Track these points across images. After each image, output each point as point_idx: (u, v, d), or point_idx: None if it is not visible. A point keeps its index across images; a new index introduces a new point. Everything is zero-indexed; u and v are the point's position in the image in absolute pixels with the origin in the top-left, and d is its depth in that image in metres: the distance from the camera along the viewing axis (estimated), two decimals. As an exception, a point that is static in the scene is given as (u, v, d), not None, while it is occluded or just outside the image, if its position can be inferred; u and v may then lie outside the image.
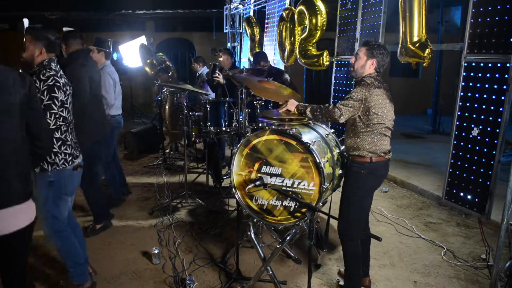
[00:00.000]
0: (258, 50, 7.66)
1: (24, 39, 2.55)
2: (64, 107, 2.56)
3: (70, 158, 2.62)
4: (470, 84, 3.34)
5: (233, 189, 2.91)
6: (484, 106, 3.22)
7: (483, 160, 3.22)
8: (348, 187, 2.75)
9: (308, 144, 2.60)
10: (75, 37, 3.53)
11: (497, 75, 3.11)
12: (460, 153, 3.44)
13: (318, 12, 5.24)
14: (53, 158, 2.53)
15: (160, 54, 6.87)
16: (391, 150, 2.74)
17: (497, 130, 3.10)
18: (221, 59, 5.22)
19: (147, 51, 6.66)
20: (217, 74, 4.90)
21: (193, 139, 5.10)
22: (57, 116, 2.50)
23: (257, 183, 2.49)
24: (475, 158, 3.29)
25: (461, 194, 3.44)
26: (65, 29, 4.06)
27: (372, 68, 2.66)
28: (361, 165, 2.65)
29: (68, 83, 2.65)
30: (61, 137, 2.57)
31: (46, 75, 2.46)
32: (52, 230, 2.65)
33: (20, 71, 2.36)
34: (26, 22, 2.95)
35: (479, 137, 3.26)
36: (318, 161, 2.58)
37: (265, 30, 7.70)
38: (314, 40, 5.51)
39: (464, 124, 3.39)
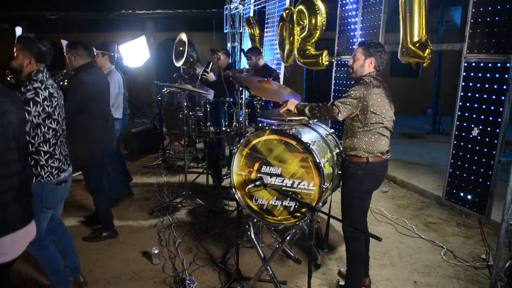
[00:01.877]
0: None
1: (15, 48, 2.49)
2: (53, 119, 2.51)
3: (56, 171, 2.57)
4: (470, 84, 3.34)
5: (233, 189, 2.91)
6: (484, 106, 3.22)
7: (483, 160, 3.22)
8: (346, 189, 2.75)
9: (308, 144, 2.60)
10: (83, 49, 3.44)
11: (497, 75, 3.11)
12: (460, 153, 3.44)
13: (318, 12, 5.24)
14: (39, 171, 2.49)
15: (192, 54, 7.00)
16: (389, 150, 2.74)
17: (497, 130, 3.09)
18: (220, 59, 5.47)
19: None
20: (205, 72, 5.38)
21: (193, 139, 5.15)
22: (44, 129, 2.47)
23: (257, 183, 2.49)
24: (475, 158, 3.29)
25: (461, 194, 3.44)
26: (63, 41, 4.05)
27: (371, 67, 2.66)
28: (358, 166, 2.64)
29: (57, 94, 2.58)
30: (49, 150, 2.52)
31: (27, 88, 2.40)
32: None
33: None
34: (18, 30, 2.93)
35: (479, 137, 3.26)
36: (318, 161, 2.58)
37: (265, 30, 7.70)
38: (313, 40, 5.50)
39: (464, 124, 3.39)
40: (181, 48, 6.79)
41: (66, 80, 4.62)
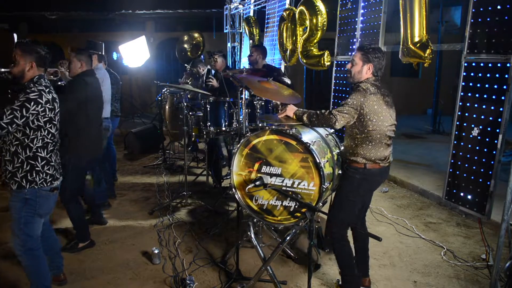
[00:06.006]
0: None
1: (14, 54, 2.50)
2: (53, 124, 2.54)
3: (50, 179, 2.58)
4: (470, 84, 3.34)
5: (233, 189, 2.91)
6: (484, 106, 3.22)
7: (483, 160, 3.22)
8: (342, 189, 2.77)
9: (308, 144, 2.60)
10: (88, 58, 3.53)
11: (497, 75, 3.11)
12: (460, 153, 3.44)
13: (318, 12, 5.25)
14: (34, 177, 2.49)
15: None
16: (389, 156, 2.74)
17: (497, 130, 3.10)
18: (217, 62, 5.45)
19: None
20: (210, 79, 5.38)
21: (193, 139, 5.13)
22: (44, 132, 2.49)
23: (257, 183, 2.49)
24: (475, 158, 3.29)
25: (461, 194, 3.44)
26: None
27: (369, 73, 2.67)
28: (356, 170, 2.67)
29: (57, 100, 2.59)
30: (46, 156, 2.54)
31: (32, 89, 2.42)
32: (24, 248, 2.57)
33: None
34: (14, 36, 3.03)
35: (479, 137, 3.26)
36: (318, 161, 2.58)
37: (265, 30, 7.70)
38: (315, 40, 5.52)
39: (464, 124, 3.39)
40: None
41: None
